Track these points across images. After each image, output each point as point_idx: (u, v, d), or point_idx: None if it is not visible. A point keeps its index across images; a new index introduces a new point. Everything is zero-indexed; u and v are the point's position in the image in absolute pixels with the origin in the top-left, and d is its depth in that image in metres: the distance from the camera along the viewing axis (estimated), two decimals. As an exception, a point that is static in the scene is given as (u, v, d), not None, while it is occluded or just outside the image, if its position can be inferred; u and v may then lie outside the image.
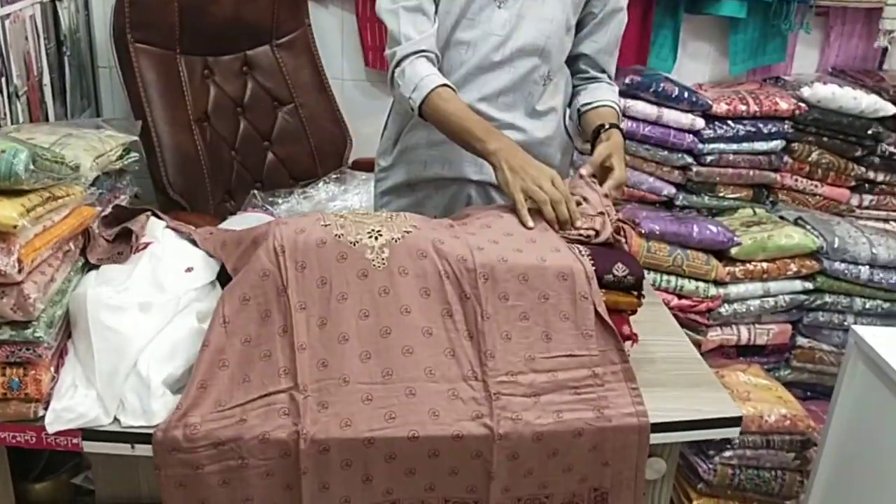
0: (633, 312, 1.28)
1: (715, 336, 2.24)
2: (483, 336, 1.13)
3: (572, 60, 1.63)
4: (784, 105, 2.35)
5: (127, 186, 1.58)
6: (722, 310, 2.21)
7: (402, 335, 1.12)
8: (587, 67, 1.62)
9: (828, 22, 2.59)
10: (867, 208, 2.51)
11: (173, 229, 1.34)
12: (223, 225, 1.67)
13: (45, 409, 1.08)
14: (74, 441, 1.08)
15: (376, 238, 1.19)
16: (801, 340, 2.32)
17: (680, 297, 2.20)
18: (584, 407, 1.11)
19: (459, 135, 1.42)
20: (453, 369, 1.10)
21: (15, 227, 0.98)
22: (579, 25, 1.59)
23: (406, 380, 1.09)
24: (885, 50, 2.62)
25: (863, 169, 2.45)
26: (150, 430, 1.06)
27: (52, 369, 1.09)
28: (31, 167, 1.01)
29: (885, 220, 2.53)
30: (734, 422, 1.21)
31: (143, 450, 1.07)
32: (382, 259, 1.17)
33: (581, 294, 1.16)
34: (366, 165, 2.42)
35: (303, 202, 2.28)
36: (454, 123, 1.41)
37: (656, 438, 1.17)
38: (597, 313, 1.16)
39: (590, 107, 1.58)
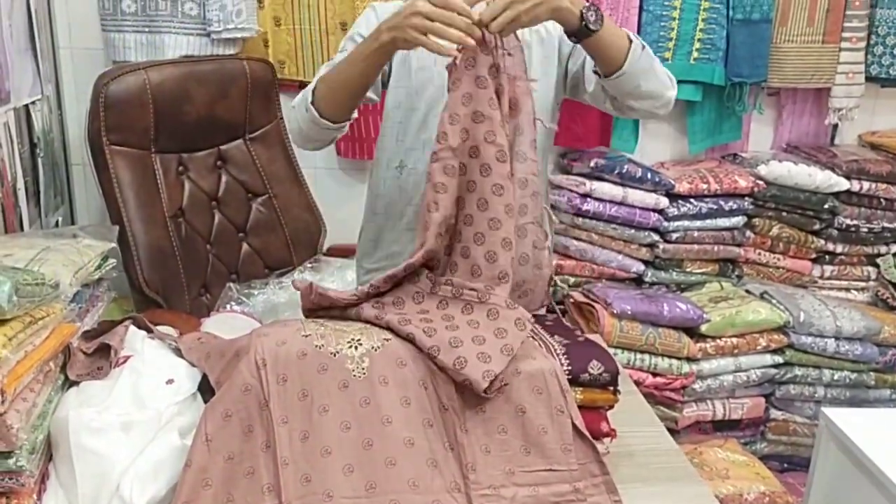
0: (611, 407, 1.31)
1: (691, 412, 2.27)
2: (463, 448, 1.14)
3: (596, 96, 1.55)
4: (743, 183, 2.44)
5: (105, 293, 1.59)
6: (696, 386, 2.25)
7: (384, 447, 1.13)
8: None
9: (779, 101, 2.71)
10: (829, 279, 2.60)
11: (159, 338, 1.35)
12: (202, 328, 1.67)
13: (27, 537, 1.06)
14: (56, 569, 1.06)
15: (356, 348, 1.21)
16: (774, 413, 2.36)
17: (655, 375, 2.23)
18: None
19: (348, 67, 1.38)
20: (437, 481, 1.11)
21: (-2, 359, 0.99)
22: (575, 80, 1.58)
23: (390, 492, 1.10)
24: (835, 126, 2.74)
25: (822, 241, 2.54)
26: (134, 556, 1.05)
27: (35, 496, 1.08)
28: (14, 298, 1.02)
29: (847, 290, 2.61)
30: (714, 518, 1.23)
31: (127, 576, 1.05)
32: (363, 369, 1.19)
33: (557, 408, 1.18)
34: (340, 252, 2.45)
35: (279, 292, 2.29)
36: (340, 68, 1.40)
37: (638, 538, 1.18)
38: (574, 426, 1.18)
39: None
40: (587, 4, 1.32)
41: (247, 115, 2.33)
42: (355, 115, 1.51)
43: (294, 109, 1.51)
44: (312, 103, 1.45)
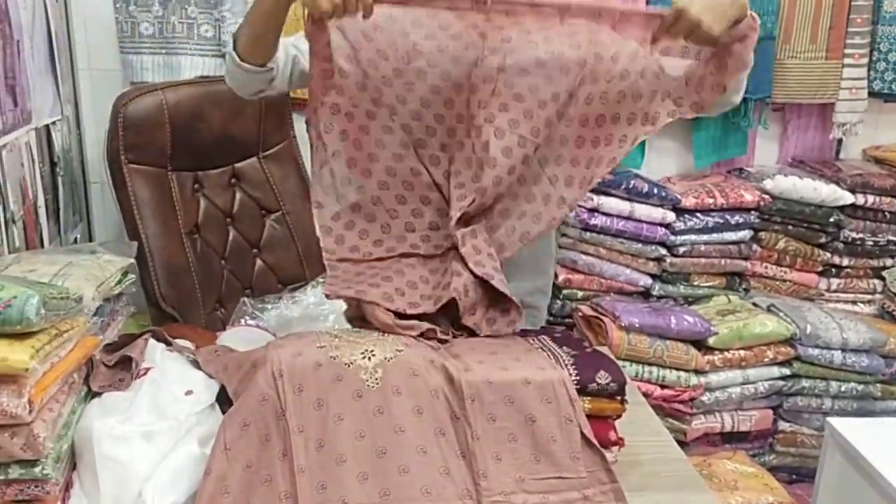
0: (619, 417, 1.34)
1: (699, 424, 2.29)
2: (475, 456, 1.17)
3: None
4: (749, 197, 2.47)
5: (124, 307, 1.63)
6: (704, 398, 2.27)
7: (397, 455, 1.16)
8: None
9: (784, 117, 2.75)
10: (836, 291, 2.62)
11: (178, 351, 1.39)
12: (217, 341, 1.71)
13: (52, 544, 1.10)
14: (80, 574, 1.09)
15: (370, 358, 1.24)
16: (782, 425, 2.37)
17: (663, 387, 2.25)
18: None
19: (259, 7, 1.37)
20: (449, 488, 1.14)
21: (26, 370, 1.03)
22: None
23: (403, 499, 1.13)
24: (839, 141, 2.77)
25: (828, 254, 2.57)
26: (155, 562, 1.08)
27: (59, 503, 1.11)
28: (42, 311, 1.06)
29: (853, 302, 2.63)
30: (721, 526, 1.25)
31: (148, 581, 1.08)
32: (376, 379, 1.22)
33: (566, 417, 1.21)
34: (352, 267, 2.49)
35: (292, 307, 2.32)
36: (253, 11, 1.39)
37: (647, 546, 1.21)
38: (583, 434, 1.21)
39: None
40: None
41: (260, 133, 2.38)
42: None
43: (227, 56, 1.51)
44: (234, 48, 1.44)
